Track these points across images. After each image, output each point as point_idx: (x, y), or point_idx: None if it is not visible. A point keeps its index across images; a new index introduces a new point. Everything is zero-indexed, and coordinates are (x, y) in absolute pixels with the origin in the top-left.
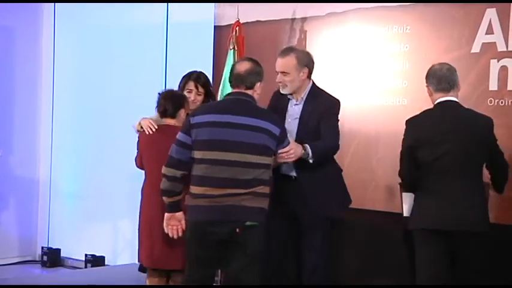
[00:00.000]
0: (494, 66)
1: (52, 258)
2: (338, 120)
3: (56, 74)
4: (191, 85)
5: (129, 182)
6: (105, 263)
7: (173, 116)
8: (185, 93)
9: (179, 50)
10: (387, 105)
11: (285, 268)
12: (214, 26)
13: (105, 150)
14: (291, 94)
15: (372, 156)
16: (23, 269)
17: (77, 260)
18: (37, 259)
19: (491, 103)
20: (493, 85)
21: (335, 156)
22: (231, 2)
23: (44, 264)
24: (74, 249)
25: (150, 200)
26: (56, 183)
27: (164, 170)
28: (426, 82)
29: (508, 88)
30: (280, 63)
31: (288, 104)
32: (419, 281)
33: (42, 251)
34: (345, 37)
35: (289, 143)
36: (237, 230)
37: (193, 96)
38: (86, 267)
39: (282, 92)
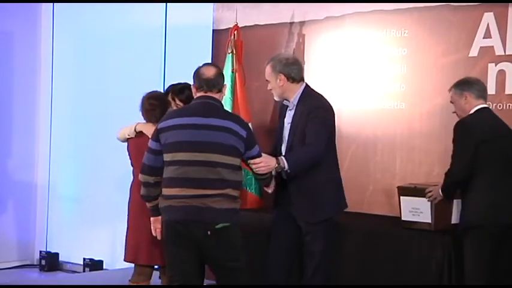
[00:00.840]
0: (492, 70)
1: (50, 262)
2: (325, 124)
3: (55, 77)
4: (169, 97)
5: (127, 186)
6: (104, 267)
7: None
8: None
9: (177, 53)
10: (385, 109)
11: (288, 271)
12: (213, 30)
13: (103, 154)
14: (287, 101)
15: (370, 159)
16: (21, 273)
17: (75, 264)
18: (35, 263)
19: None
20: (491, 89)
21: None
22: (230, 1)
23: (42, 268)
24: (72, 253)
25: (136, 199)
26: (54, 187)
27: (140, 176)
28: (464, 90)
29: (506, 92)
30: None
31: (286, 110)
32: (480, 280)
33: (40, 255)
34: (343, 41)
35: (259, 151)
36: (209, 232)
37: (174, 106)
38: (84, 271)
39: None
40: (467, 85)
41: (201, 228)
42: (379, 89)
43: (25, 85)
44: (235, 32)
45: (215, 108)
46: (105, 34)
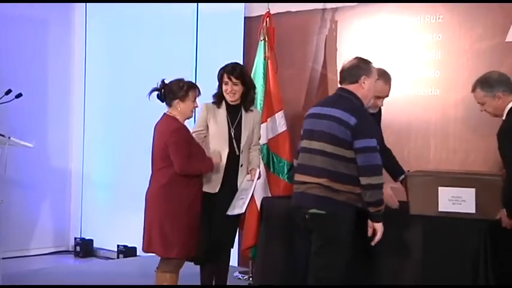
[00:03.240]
0: None
1: (85, 248)
2: None
3: (88, 65)
4: (225, 77)
5: None
6: (137, 254)
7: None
8: (223, 85)
9: (209, 41)
10: (419, 95)
11: None
12: (245, 17)
13: (136, 141)
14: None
15: (404, 147)
16: (57, 259)
17: (109, 250)
18: (70, 249)
19: None
20: None
21: None
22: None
23: (77, 254)
24: (106, 240)
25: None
26: (88, 175)
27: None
28: (495, 90)
29: None
30: None
31: None
32: None
33: (75, 242)
34: (376, 27)
35: (367, 146)
36: (306, 216)
37: (230, 87)
38: (118, 257)
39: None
40: (497, 83)
41: (301, 213)
42: (413, 75)
43: (59, 74)
44: (267, 19)
45: (339, 98)
46: (137, 22)
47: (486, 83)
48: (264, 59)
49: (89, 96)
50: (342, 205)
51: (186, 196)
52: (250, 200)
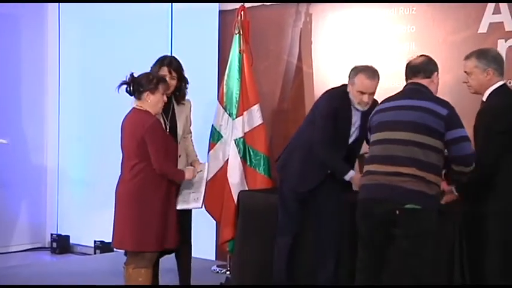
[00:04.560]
0: (502, 46)
1: (61, 244)
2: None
3: (62, 62)
4: (164, 70)
5: None
6: (114, 249)
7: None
8: None
9: (184, 35)
10: (394, 87)
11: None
12: (219, 11)
13: (111, 137)
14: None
15: None
16: (34, 256)
17: (86, 246)
18: (47, 246)
19: None
20: None
21: None
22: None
23: (53, 250)
24: (83, 236)
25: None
26: (64, 171)
27: None
28: (489, 65)
29: None
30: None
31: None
32: None
33: (51, 238)
34: (350, 19)
35: (463, 136)
36: (397, 211)
37: (168, 81)
38: (95, 253)
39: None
40: (493, 60)
41: (387, 206)
42: (387, 67)
43: (33, 69)
44: (242, 13)
45: (417, 91)
46: (111, 17)
47: (483, 54)
48: (239, 53)
49: (64, 93)
50: (433, 199)
51: (160, 192)
52: (204, 193)
